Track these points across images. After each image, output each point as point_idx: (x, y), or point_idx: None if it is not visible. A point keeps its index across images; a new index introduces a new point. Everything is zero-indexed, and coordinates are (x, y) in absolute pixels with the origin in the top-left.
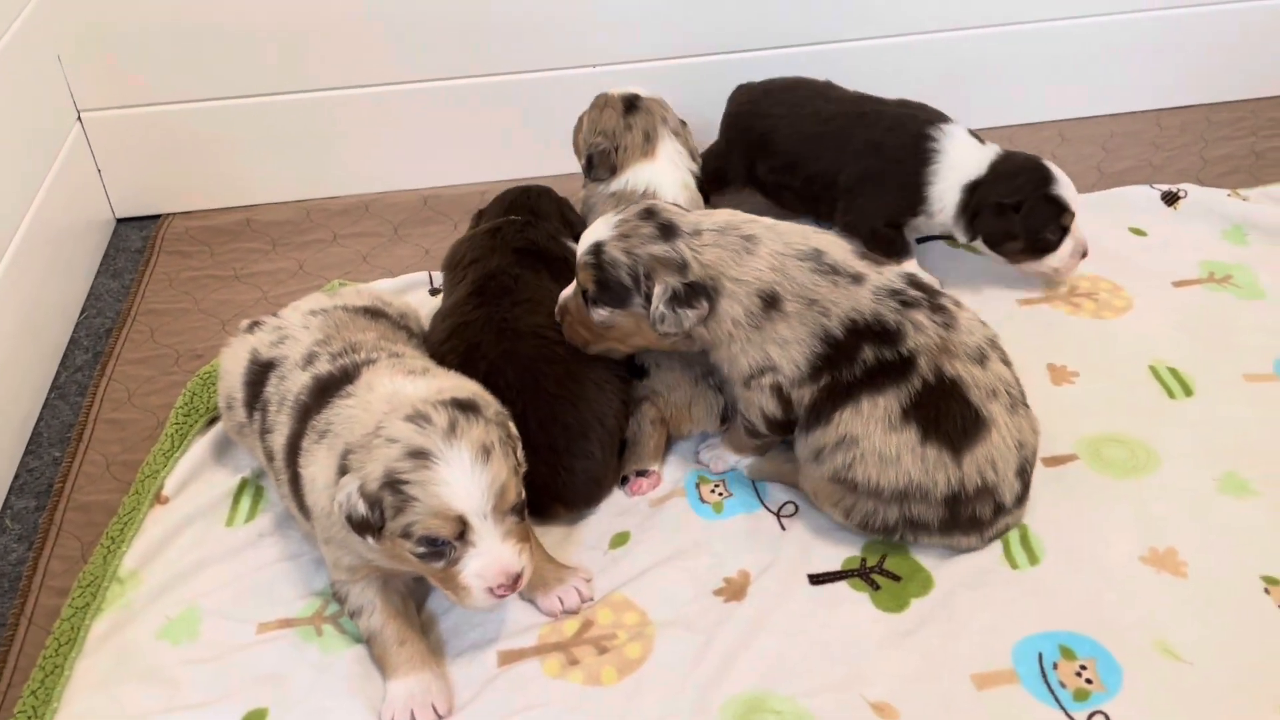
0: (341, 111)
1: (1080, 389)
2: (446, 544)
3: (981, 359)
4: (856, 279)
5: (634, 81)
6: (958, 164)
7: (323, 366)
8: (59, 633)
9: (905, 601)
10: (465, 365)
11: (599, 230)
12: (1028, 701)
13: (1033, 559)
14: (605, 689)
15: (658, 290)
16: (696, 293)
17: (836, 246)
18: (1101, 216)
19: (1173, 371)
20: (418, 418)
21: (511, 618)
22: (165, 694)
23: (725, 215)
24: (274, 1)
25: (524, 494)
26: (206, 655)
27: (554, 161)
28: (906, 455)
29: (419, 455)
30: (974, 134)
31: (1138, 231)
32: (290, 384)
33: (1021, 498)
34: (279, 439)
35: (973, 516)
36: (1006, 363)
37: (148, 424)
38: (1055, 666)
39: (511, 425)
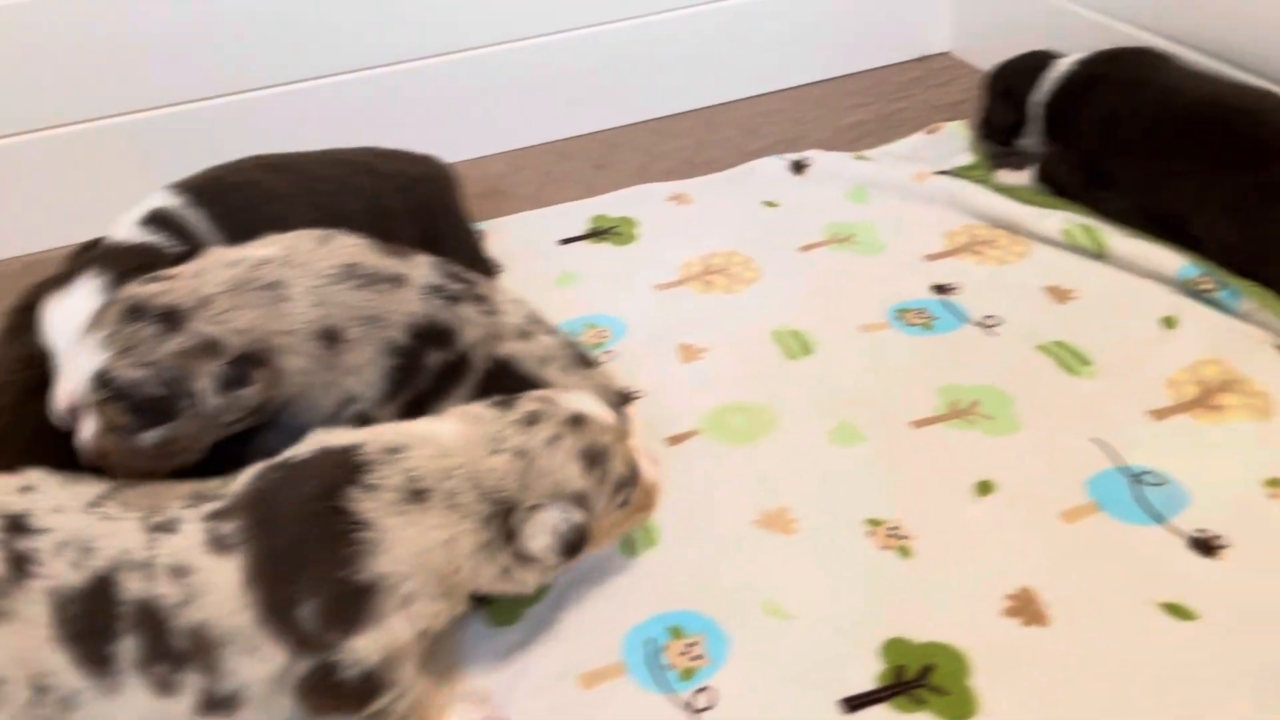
0: None
1: (707, 364)
2: None
3: (525, 335)
4: (397, 281)
5: None
6: None
7: None
8: None
9: (517, 614)
10: None
11: (88, 357)
12: (634, 692)
13: (650, 542)
14: None
15: (203, 384)
16: (247, 365)
17: (361, 250)
18: (737, 193)
19: (794, 333)
20: None
21: None
22: None
23: (225, 270)
24: None
25: None
26: None
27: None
28: None
29: None
30: None
31: (770, 204)
32: None
33: None
34: None
35: None
36: (552, 332)
37: None
38: (664, 649)
39: None
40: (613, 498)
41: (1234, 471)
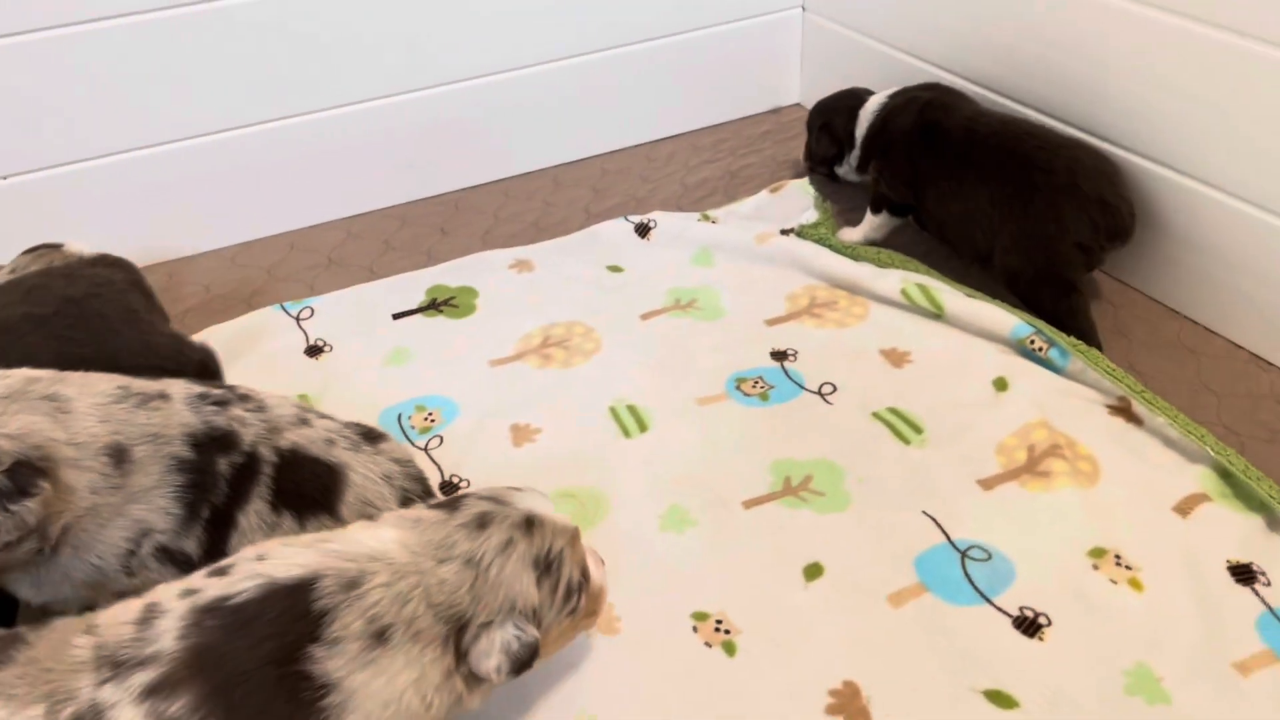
0: None
1: (540, 446)
2: None
3: (303, 421)
4: (164, 397)
5: None
6: None
7: None
8: None
9: None
10: None
11: None
12: None
13: None
14: None
15: None
16: (23, 473)
17: (121, 375)
18: (580, 258)
19: (631, 409)
20: None
21: None
22: None
23: None
24: None
25: None
26: None
27: None
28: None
29: None
30: None
31: (615, 269)
32: None
33: None
34: None
35: None
36: (326, 417)
37: None
38: None
39: None
40: (563, 607)
41: (1058, 543)
